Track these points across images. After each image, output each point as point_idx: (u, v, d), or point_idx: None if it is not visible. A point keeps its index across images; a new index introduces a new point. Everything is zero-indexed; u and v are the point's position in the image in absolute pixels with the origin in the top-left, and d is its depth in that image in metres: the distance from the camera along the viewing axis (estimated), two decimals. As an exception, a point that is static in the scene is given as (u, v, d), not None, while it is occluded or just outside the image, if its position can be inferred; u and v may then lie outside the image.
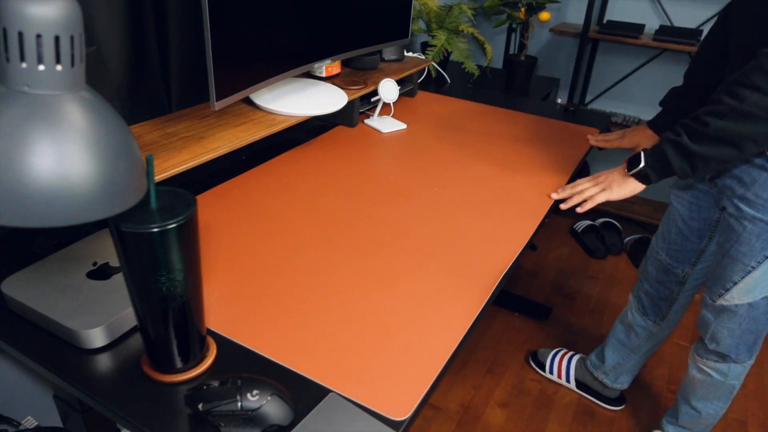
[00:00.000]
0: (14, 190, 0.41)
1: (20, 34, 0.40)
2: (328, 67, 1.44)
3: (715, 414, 1.31)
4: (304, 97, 1.29)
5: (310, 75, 1.47)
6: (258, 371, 0.66)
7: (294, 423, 0.59)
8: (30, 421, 1.03)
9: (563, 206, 1.06)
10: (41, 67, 0.42)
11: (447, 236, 0.97)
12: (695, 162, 0.90)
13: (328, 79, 1.46)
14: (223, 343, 0.70)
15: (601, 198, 1.02)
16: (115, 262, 0.77)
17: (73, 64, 0.43)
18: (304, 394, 0.63)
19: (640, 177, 0.99)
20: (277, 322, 0.74)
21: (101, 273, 0.74)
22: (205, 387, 0.59)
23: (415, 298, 0.81)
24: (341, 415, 0.61)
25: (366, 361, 0.69)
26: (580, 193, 1.05)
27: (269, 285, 0.81)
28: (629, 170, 1.00)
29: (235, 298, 0.78)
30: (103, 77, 0.91)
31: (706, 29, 2.21)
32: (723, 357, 1.19)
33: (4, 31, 0.40)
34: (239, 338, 0.71)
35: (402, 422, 0.61)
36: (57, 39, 0.41)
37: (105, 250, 0.79)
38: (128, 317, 0.69)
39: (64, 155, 0.42)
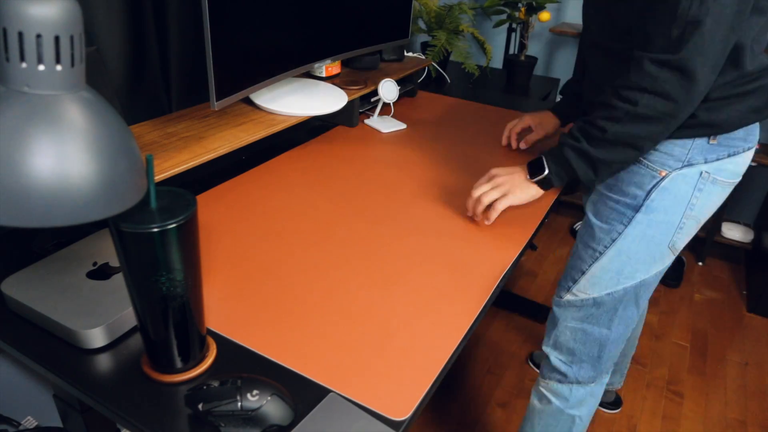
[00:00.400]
0: (14, 190, 0.41)
1: (20, 34, 0.40)
2: (328, 67, 1.44)
3: None
4: (304, 97, 1.29)
5: (310, 75, 1.47)
6: (258, 371, 0.66)
7: (294, 423, 0.59)
8: (30, 421, 1.03)
9: (477, 219, 0.99)
10: (41, 67, 0.42)
11: (447, 236, 0.96)
12: (598, 166, 0.88)
13: (328, 79, 1.46)
14: (223, 343, 0.70)
15: (504, 204, 0.95)
16: (115, 262, 0.77)
17: (73, 64, 0.43)
18: (304, 394, 0.63)
19: (544, 183, 0.95)
20: (277, 322, 0.74)
21: (101, 273, 0.74)
22: (205, 387, 0.58)
23: (415, 298, 0.80)
24: (341, 415, 0.61)
25: (366, 361, 0.69)
26: (480, 200, 0.96)
27: (269, 285, 0.81)
28: (532, 177, 0.95)
29: (234, 298, 0.78)
30: (103, 77, 0.91)
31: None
32: (563, 375, 1.10)
33: (4, 31, 0.40)
34: (239, 338, 0.71)
35: (402, 422, 0.61)
36: (57, 39, 0.41)
37: (105, 250, 0.79)
38: (128, 317, 0.69)
39: (64, 155, 0.42)
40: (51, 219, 0.43)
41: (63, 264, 0.76)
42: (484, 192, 0.96)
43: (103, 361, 0.66)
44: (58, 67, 0.42)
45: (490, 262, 0.90)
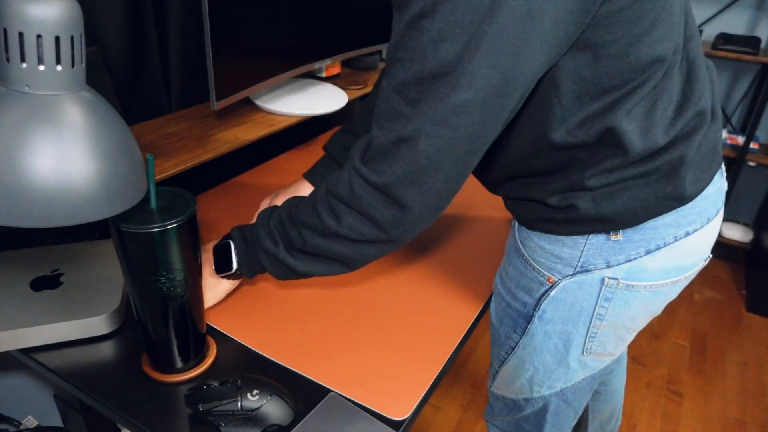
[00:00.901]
0: (14, 190, 0.41)
1: (21, 35, 0.40)
2: (328, 67, 1.44)
3: None
4: (304, 97, 1.29)
5: (310, 75, 1.47)
6: (258, 371, 0.66)
7: (294, 423, 0.59)
8: (30, 421, 1.03)
9: None
10: (42, 68, 0.42)
11: (447, 235, 0.97)
12: (298, 275, 0.69)
13: (328, 79, 1.46)
14: (223, 342, 0.70)
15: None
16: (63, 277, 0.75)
17: (73, 65, 0.43)
18: (304, 394, 0.64)
19: (235, 277, 0.75)
20: (277, 321, 0.74)
21: (43, 283, 0.73)
22: (205, 387, 0.59)
23: (415, 298, 0.81)
24: (341, 415, 0.61)
25: (366, 361, 0.69)
26: None
27: (269, 284, 0.81)
28: (220, 272, 0.73)
29: (235, 298, 0.78)
30: (103, 77, 0.91)
31: (705, 29, 2.21)
32: None
33: (5, 31, 0.40)
34: (239, 338, 0.71)
35: (402, 422, 0.61)
36: (57, 39, 0.41)
37: (62, 260, 0.77)
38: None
39: (65, 155, 0.42)
40: (51, 219, 0.43)
41: (13, 266, 0.75)
42: None
43: (104, 361, 0.66)
44: (59, 68, 0.42)
45: (491, 261, 0.90)
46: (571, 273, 0.69)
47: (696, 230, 0.67)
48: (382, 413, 0.62)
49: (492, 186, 0.74)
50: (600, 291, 0.69)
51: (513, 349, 0.78)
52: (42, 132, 0.42)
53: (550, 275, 0.71)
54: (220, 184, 1.09)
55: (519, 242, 0.74)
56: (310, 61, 1.27)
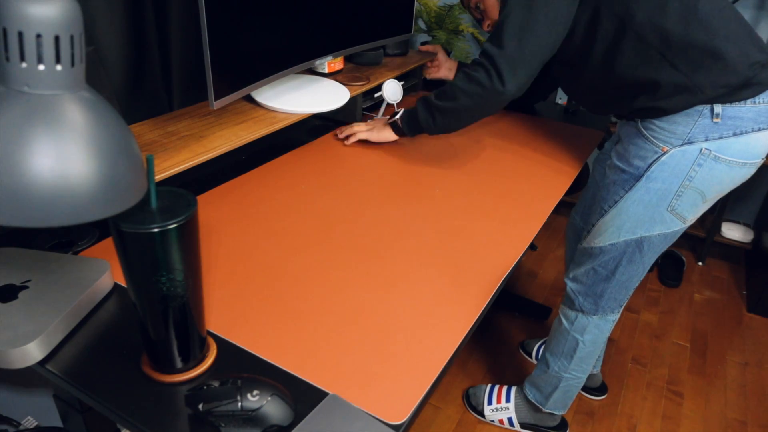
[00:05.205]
0: (14, 190, 0.41)
1: (20, 34, 0.40)
2: (331, 63, 1.44)
3: (558, 374, 1.33)
4: (306, 94, 1.29)
5: (312, 71, 1.46)
6: (257, 373, 0.66)
7: (294, 423, 0.59)
8: (30, 421, 1.03)
9: (340, 136, 1.34)
10: (41, 67, 0.41)
11: (448, 238, 0.96)
12: (435, 114, 1.14)
13: (331, 75, 1.45)
14: (223, 344, 0.70)
15: (362, 136, 1.29)
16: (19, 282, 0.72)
17: (73, 64, 0.43)
18: (303, 397, 0.63)
19: (395, 127, 1.26)
20: (277, 324, 0.74)
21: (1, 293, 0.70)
22: (205, 387, 0.58)
23: (415, 301, 0.80)
24: (341, 416, 0.60)
25: (364, 365, 0.68)
26: (351, 129, 1.31)
27: (269, 286, 0.81)
28: (388, 120, 1.26)
29: (235, 299, 0.78)
30: (100, 77, 0.91)
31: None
32: (572, 303, 1.25)
33: (4, 30, 0.40)
34: (239, 340, 0.71)
35: (399, 426, 0.61)
36: (57, 39, 0.41)
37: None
38: None
39: (64, 155, 0.42)
40: (51, 219, 0.43)
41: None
42: (359, 129, 1.30)
43: (104, 361, 0.66)
44: (58, 67, 0.42)
45: (490, 264, 0.90)
46: (680, 144, 1.00)
47: (762, 129, 0.97)
48: (379, 417, 0.61)
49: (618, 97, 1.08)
50: (696, 158, 0.99)
51: (616, 202, 1.09)
52: (41, 132, 0.41)
53: (664, 146, 1.01)
54: (221, 184, 1.09)
55: (642, 129, 1.05)
56: (311, 57, 1.26)
